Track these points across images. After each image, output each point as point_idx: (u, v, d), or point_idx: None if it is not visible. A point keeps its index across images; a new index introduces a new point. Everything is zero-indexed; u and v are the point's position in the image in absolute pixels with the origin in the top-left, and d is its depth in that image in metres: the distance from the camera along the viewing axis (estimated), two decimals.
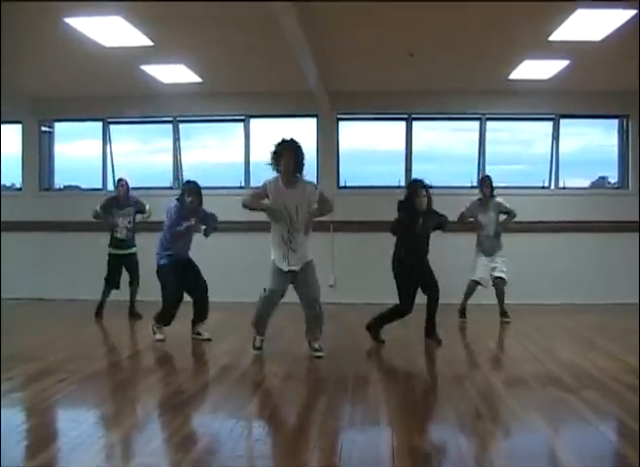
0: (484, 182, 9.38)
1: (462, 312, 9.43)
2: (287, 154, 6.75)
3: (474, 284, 9.32)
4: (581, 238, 11.02)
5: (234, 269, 10.66)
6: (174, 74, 9.76)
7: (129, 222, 9.44)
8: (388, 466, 3.92)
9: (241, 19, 7.31)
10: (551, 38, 7.82)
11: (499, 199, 9.28)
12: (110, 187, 11.65)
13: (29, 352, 7.16)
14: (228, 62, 9.32)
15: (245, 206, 7.01)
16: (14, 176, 12.18)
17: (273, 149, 6.84)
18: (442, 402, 5.56)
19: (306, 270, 6.96)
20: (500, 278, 9.22)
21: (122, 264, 9.47)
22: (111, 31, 7.60)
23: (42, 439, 4.46)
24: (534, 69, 9.42)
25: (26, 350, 7.28)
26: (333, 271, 11.06)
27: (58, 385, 5.78)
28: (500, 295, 9.28)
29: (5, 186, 12.23)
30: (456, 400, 5.57)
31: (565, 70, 9.32)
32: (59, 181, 12.11)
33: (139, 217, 9.49)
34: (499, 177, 11.30)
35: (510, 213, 9.23)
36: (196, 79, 10.01)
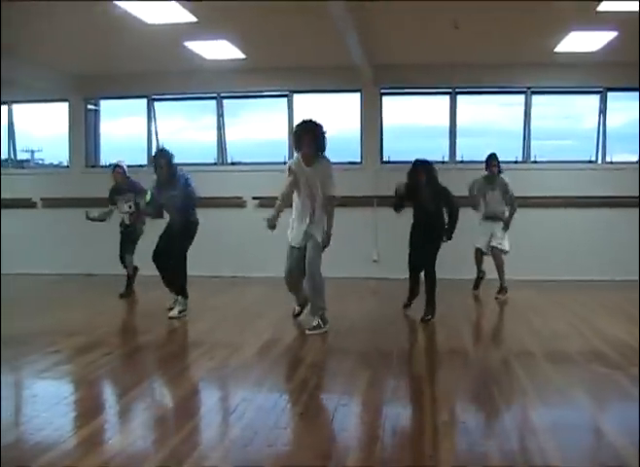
0: (492, 160, 9.13)
1: (476, 283, 9.47)
2: (306, 136, 6.79)
3: (476, 252, 9.32)
4: (628, 213, 10.81)
5: (276, 244, 10.65)
6: (218, 50, 9.79)
7: (130, 207, 9.19)
8: (431, 440, 3.92)
9: None
10: (598, 9, 7.67)
11: (506, 179, 9.09)
12: None
13: (75, 326, 7.28)
14: (270, 38, 9.29)
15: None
16: (61, 155, 12.43)
17: (294, 130, 6.95)
18: (485, 377, 5.53)
19: (311, 244, 6.97)
20: (495, 247, 9.14)
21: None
22: (154, 8, 7.62)
23: (89, 410, 4.55)
24: (581, 41, 9.23)
25: (72, 324, 7.40)
26: (376, 246, 11.07)
27: (104, 358, 5.88)
28: (498, 267, 9.16)
29: (52, 164, 12.64)
30: (500, 375, 5.56)
31: (613, 42, 9.13)
32: (105, 158, 12.20)
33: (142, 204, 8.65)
34: (545, 152, 11.21)
35: (512, 204, 9.05)
36: (240, 55, 10.01)
